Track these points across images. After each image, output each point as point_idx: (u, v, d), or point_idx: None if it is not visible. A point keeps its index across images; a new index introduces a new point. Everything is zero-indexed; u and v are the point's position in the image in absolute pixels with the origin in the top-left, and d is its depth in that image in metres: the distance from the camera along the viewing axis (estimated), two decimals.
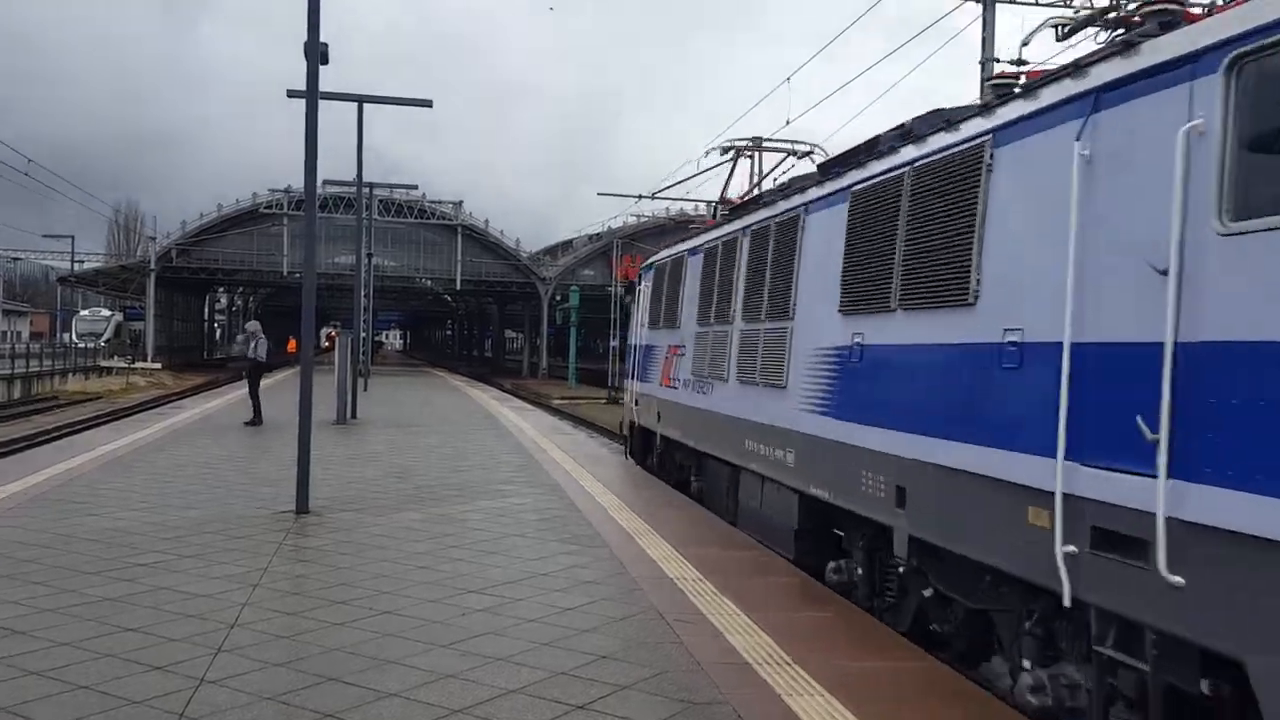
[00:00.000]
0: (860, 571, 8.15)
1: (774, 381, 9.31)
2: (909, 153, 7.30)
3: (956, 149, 6.58)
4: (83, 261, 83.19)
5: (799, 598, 7.60)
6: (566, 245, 78.15)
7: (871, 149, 8.17)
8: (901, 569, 7.29)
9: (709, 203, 41.23)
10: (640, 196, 47.98)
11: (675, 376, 13.31)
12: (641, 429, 16.28)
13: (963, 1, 17.25)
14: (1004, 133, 6.07)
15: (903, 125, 7.80)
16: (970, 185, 6.31)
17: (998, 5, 17.82)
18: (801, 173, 11.38)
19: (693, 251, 13.16)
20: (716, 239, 12.03)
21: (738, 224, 11.32)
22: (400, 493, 11.96)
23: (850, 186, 8.15)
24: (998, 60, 16.87)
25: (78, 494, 11.20)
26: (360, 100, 22.93)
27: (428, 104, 22.54)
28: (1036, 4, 18.05)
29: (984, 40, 18.26)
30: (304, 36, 10.85)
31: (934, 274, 6.63)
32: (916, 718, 5.23)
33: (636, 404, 16.48)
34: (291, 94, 19.14)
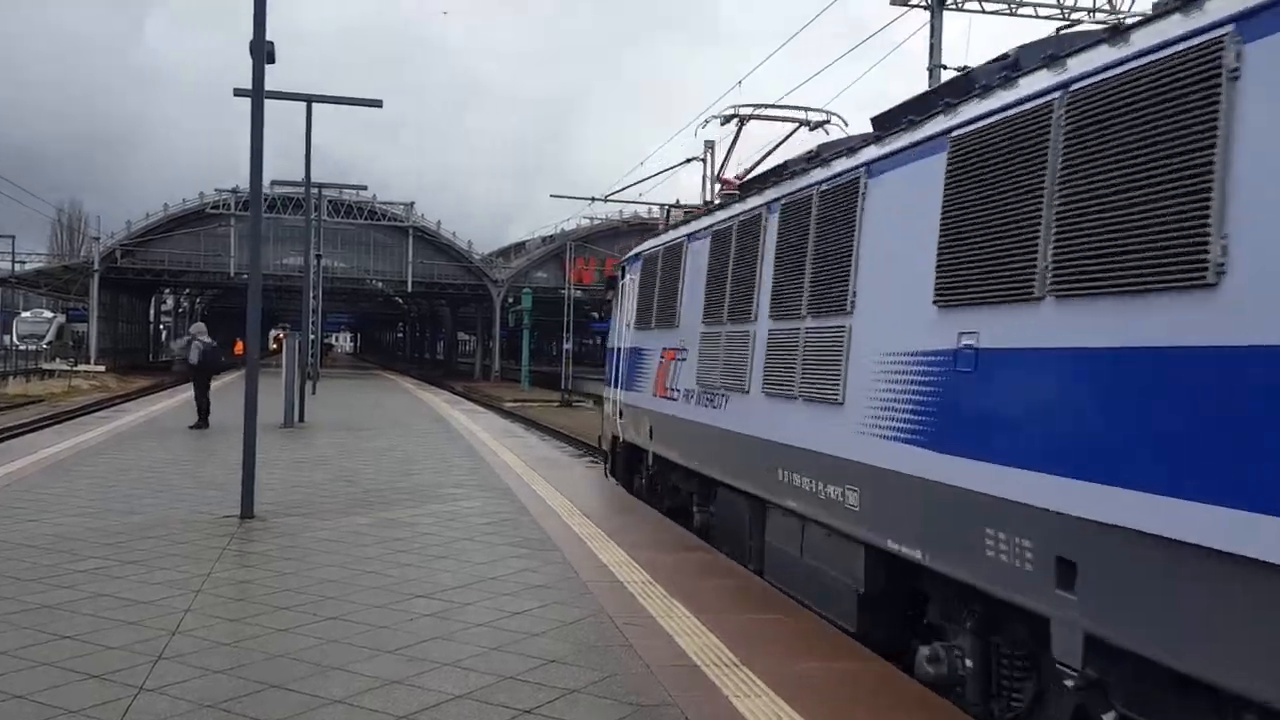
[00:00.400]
0: (971, 664, 5.90)
1: (822, 395, 7.22)
2: (1045, 79, 5.25)
3: (1153, 57, 4.47)
4: (24, 262, 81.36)
5: (748, 600, 7.61)
6: (519, 247, 78.00)
7: (964, 87, 6.30)
8: (1072, 683, 4.85)
9: (662, 205, 41.43)
10: (593, 199, 47.98)
11: (673, 386, 11.14)
12: (627, 445, 13.99)
13: (908, 9, 17.44)
14: (1261, 20, 3.99)
15: (1005, 55, 6.15)
16: (1194, 104, 4.20)
17: (945, 12, 18.06)
18: (809, 148, 9.53)
19: (695, 236, 11.04)
20: (729, 219, 9.89)
21: (758, 200, 9.24)
22: (348, 497, 11.83)
23: (949, 132, 6.01)
24: (945, 67, 17.11)
25: (17, 498, 10.94)
26: (309, 100, 22.70)
27: (377, 104, 22.37)
28: (982, 11, 18.32)
29: (931, 46, 18.51)
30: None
31: (1125, 240, 4.49)
32: (864, 718, 5.26)
33: (621, 416, 14.11)
34: (238, 93, 18.93)
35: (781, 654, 6.20)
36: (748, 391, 8.76)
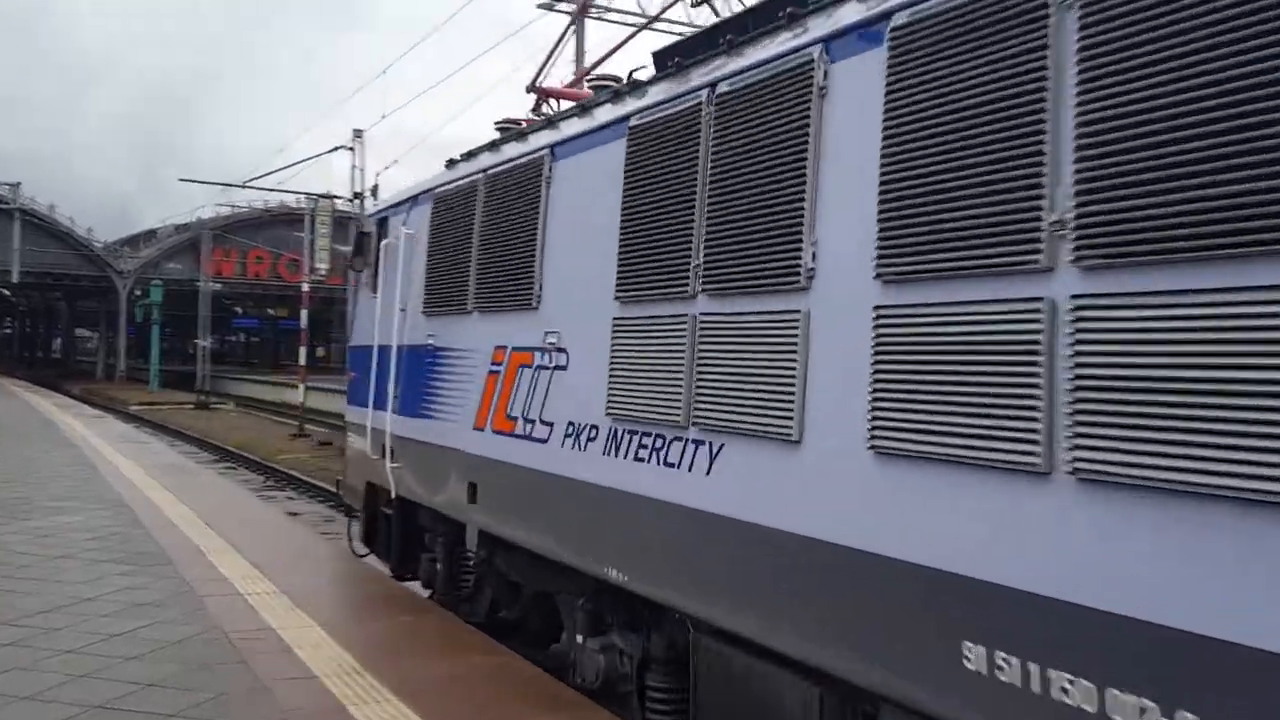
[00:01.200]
0: None
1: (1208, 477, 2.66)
2: None
3: None
4: None
5: (381, 606, 7.44)
6: (150, 235, 71.99)
7: None
8: None
9: (309, 195, 39.54)
10: (229, 185, 45.18)
11: (531, 415, 6.33)
12: (402, 504, 8.45)
13: (552, 11, 17.79)
14: None
15: None
16: None
17: (587, 20, 18.61)
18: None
19: (571, 145, 6.29)
20: (684, 97, 5.12)
21: (779, 46, 4.62)
22: None
23: None
24: (589, 72, 17.60)
25: None
26: None
27: None
28: (622, 23, 19.02)
29: (579, 54, 19.00)
30: None
31: None
32: (487, 712, 5.27)
33: (392, 458, 8.38)
34: None
35: (409, 657, 6.11)
36: (798, 440, 4.20)
